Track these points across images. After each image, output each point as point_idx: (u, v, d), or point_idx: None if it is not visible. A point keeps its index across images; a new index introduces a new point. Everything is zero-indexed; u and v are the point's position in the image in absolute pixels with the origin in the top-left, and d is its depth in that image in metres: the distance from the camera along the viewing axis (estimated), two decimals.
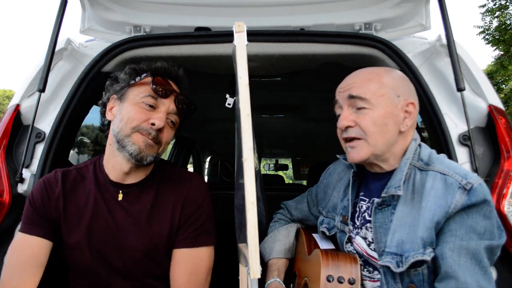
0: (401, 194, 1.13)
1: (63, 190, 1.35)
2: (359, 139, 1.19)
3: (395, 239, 1.12)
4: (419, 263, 1.07)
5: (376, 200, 1.21)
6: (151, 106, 1.30)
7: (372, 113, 1.16)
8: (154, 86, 1.30)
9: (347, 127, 1.21)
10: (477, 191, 1.05)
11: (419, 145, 1.24)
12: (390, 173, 1.22)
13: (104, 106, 1.39)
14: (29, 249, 1.29)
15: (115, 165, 1.33)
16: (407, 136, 1.22)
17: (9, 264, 1.30)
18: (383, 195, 1.17)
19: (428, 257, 1.05)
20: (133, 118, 1.27)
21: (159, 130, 1.29)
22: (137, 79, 1.33)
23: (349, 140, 1.22)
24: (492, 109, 1.50)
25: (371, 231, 1.22)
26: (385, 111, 1.16)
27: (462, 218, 1.06)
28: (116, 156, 1.32)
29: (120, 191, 1.35)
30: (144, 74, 1.33)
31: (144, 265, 1.34)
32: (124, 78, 1.35)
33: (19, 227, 1.55)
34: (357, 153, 1.20)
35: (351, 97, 1.19)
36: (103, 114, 1.40)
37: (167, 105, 1.32)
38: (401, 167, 1.18)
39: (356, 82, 1.20)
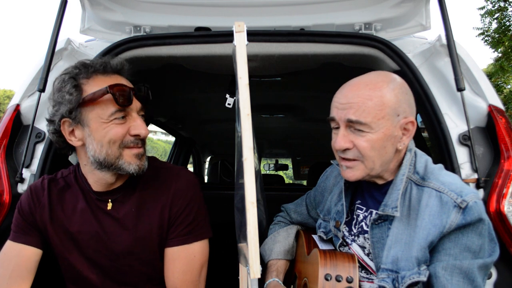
0: (398, 215, 1.12)
1: (49, 198, 1.33)
2: (355, 160, 1.16)
3: (390, 256, 1.11)
4: (415, 283, 1.06)
5: (373, 215, 1.20)
6: (122, 117, 1.21)
7: (371, 136, 1.11)
8: (118, 100, 1.18)
9: (345, 149, 1.16)
10: (472, 210, 1.04)
11: (415, 153, 1.21)
12: (385, 184, 1.21)
13: (57, 133, 1.25)
14: (17, 258, 1.27)
15: (99, 180, 1.29)
16: (402, 151, 1.19)
17: None
18: (379, 212, 1.16)
19: (424, 277, 1.05)
20: (114, 138, 1.19)
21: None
22: (87, 96, 1.18)
23: (345, 158, 1.19)
24: (492, 109, 1.50)
25: (369, 242, 1.21)
26: (384, 134, 1.11)
27: (457, 237, 1.06)
28: (97, 173, 1.27)
29: (109, 200, 1.32)
30: (100, 91, 1.18)
31: (139, 269, 1.32)
32: (70, 98, 1.18)
33: None
34: (352, 173, 1.18)
35: (350, 121, 1.12)
36: (63, 143, 1.27)
37: (134, 106, 1.24)
38: (397, 185, 1.15)
39: (356, 103, 1.11)
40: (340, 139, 1.15)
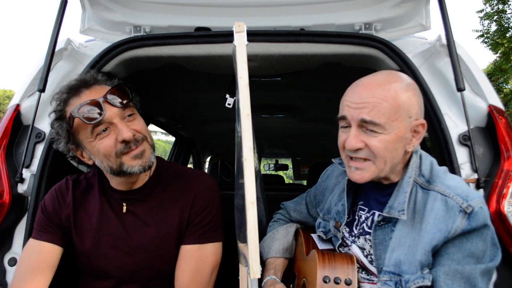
0: (405, 218, 1.11)
1: (74, 198, 1.39)
2: (366, 160, 1.13)
3: (393, 258, 1.11)
4: (419, 287, 1.06)
5: (376, 216, 1.20)
6: (104, 130, 1.22)
7: (385, 137, 1.09)
8: (87, 120, 1.18)
9: (356, 149, 1.13)
10: (478, 215, 1.04)
11: (420, 155, 1.20)
12: (389, 186, 1.20)
13: (75, 158, 1.33)
14: (39, 255, 1.32)
15: (120, 183, 1.36)
16: (409, 152, 1.18)
17: (19, 269, 1.34)
18: (385, 214, 1.14)
19: (428, 281, 1.05)
20: (106, 152, 1.22)
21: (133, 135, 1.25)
22: (69, 124, 1.22)
23: (355, 159, 1.16)
24: (492, 109, 1.50)
25: (369, 243, 1.21)
26: (396, 136, 1.09)
27: (461, 242, 1.05)
28: (117, 178, 1.33)
29: (124, 204, 1.37)
30: (70, 118, 1.21)
31: (156, 266, 1.35)
32: (60, 131, 1.26)
33: (19, 226, 1.56)
34: (361, 175, 1.15)
35: (364, 121, 1.09)
36: (82, 163, 1.34)
37: (111, 113, 1.21)
38: (404, 187, 1.14)
39: (370, 103, 1.08)
40: (352, 139, 1.11)
